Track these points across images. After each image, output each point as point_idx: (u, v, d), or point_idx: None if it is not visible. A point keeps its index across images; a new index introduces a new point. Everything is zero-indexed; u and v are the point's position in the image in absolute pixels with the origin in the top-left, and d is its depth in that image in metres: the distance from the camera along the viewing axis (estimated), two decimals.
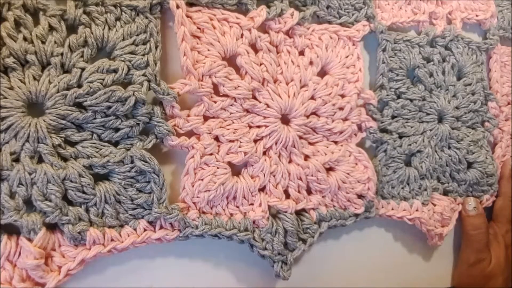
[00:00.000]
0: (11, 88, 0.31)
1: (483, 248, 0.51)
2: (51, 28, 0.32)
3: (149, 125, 0.36)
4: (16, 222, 0.32)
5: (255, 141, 0.39)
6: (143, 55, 0.35)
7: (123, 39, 0.34)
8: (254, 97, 0.39)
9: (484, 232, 0.51)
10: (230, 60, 0.39)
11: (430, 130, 0.48)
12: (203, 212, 0.38)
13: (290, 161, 0.41)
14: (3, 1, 0.31)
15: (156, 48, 0.35)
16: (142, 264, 0.38)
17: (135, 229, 0.35)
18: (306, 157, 0.42)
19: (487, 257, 0.51)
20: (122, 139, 0.35)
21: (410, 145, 0.47)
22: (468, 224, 0.51)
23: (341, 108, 0.43)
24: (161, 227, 0.36)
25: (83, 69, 0.33)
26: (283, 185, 0.40)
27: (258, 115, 0.40)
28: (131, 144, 0.35)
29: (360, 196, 0.44)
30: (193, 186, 0.37)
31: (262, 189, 0.40)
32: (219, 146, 0.38)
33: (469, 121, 0.51)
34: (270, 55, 0.40)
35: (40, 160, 0.33)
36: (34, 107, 0.33)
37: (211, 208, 0.38)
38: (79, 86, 0.33)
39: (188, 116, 0.37)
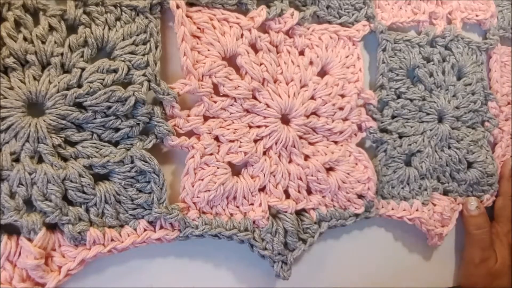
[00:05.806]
0: (11, 88, 0.31)
1: (487, 246, 0.51)
2: (51, 28, 0.32)
3: (149, 125, 0.36)
4: (16, 222, 0.31)
5: (255, 141, 0.39)
6: (143, 55, 0.35)
7: (123, 39, 0.34)
8: (254, 97, 0.39)
9: (487, 230, 0.51)
10: (230, 60, 0.39)
11: (430, 130, 0.48)
12: (203, 212, 0.38)
13: (290, 161, 0.41)
14: (3, 1, 0.31)
15: (156, 48, 0.35)
16: (142, 264, 0.38)
17: (135, 229, 0.35)
18: (306, 157, 0.42)
19: (492, 256, 0.51)
20: (122, 139, 0.35)
21: (410, 145, 0.47)
22: (471, 224, 0.51)
23: (341, 108, 0.43)
24: (161, 227, 0.36)
25: (83, 69, 0.33)
26: (283, 185, 0.40)
27: (258, 115, 0.40)
28: (131, 144, 0.35)
29: (360, 196, 0.44)
30: (193, 186, 0.37)
31: (262, 189, 0.40)
32: (219, 146, 0.38)
33: (469, 121, 0.51)
34: (270, 55, 0.40)
35: (40, 160, 0.33)
36: (34, 107, 0.33)
37: (211, 208, 0.38)
38: (79, 86, 0.33)
39: (188, 116, 0.37)
